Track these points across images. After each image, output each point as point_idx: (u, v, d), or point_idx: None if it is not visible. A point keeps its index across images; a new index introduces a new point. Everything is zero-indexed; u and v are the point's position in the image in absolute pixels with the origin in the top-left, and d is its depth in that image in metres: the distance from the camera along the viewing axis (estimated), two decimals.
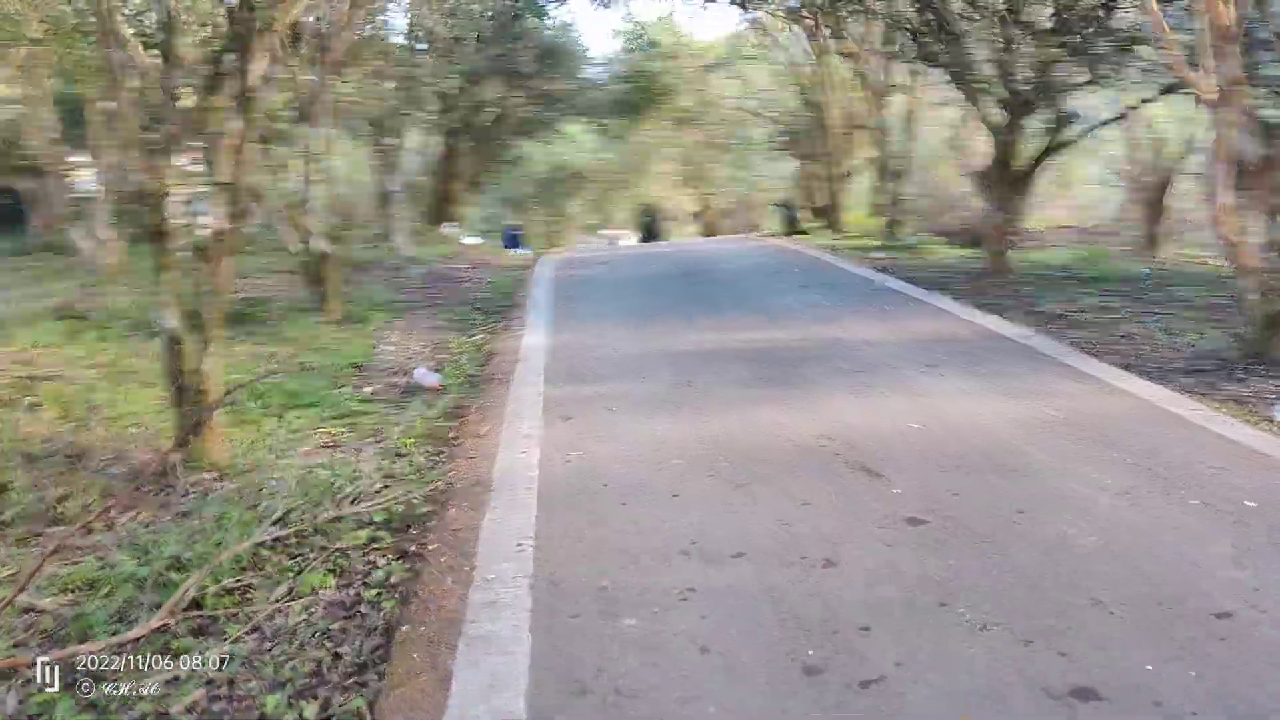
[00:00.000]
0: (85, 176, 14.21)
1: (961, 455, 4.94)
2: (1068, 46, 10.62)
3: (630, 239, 33.29)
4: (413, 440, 5.68)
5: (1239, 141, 6.90)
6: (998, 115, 11.77)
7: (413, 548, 4.18)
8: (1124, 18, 11.09)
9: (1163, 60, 9.05)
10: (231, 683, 3.21)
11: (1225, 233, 7.06)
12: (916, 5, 12.14)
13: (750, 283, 11.94)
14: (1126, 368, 6.77)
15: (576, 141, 28.67)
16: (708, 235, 29.09)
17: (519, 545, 4.07)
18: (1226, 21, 6.76)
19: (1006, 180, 11.87)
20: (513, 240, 24.27)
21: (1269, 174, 6.90)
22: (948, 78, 13.34)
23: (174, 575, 3.85)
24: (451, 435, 5.83)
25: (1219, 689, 2.86)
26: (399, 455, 5.42)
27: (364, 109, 15.45)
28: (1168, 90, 11.83)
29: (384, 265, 14.49)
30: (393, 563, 4.04)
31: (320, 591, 3.82)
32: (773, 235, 21.03)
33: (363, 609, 3.67)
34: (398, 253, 15.53)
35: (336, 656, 3.36)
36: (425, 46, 16.65)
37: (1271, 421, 5.44)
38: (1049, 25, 10.90)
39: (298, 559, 4.08)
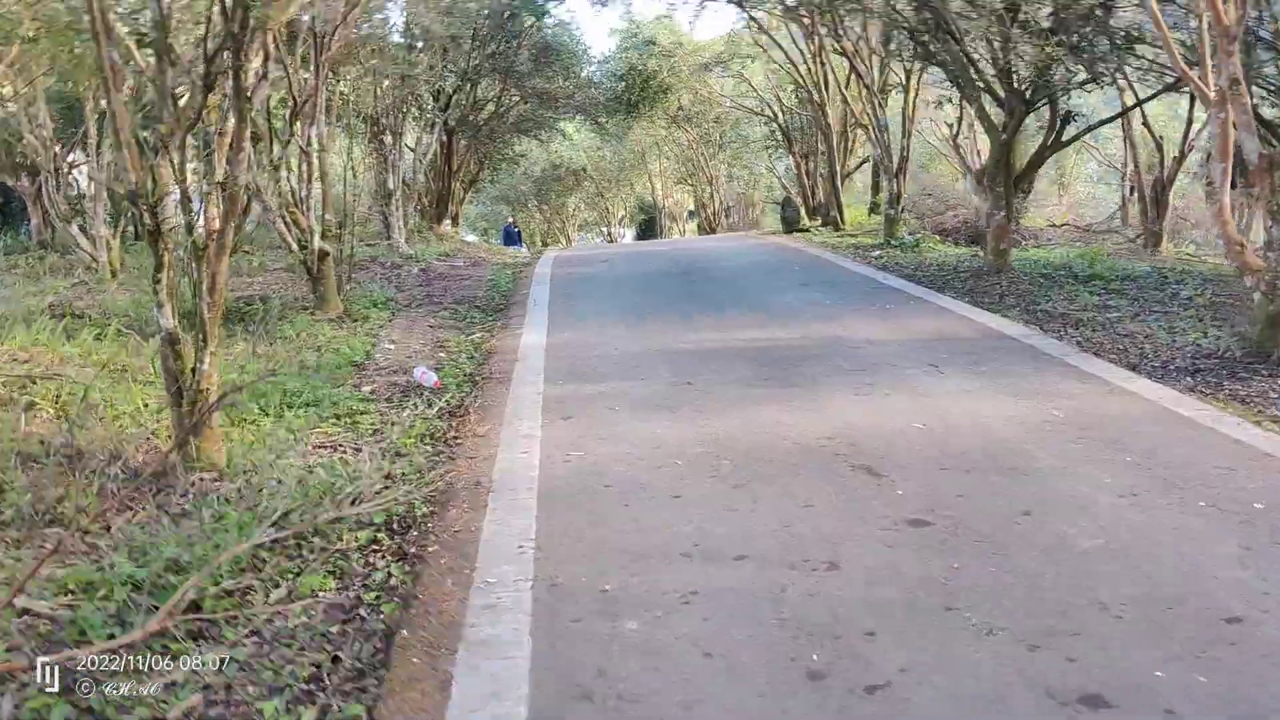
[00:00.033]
0: (83, 174, 14.16)
1: (965, 456, 4.91)
2: (1066, 45, 10.58)
3: (628, 236, 33.29)
4: (412, 440, 5.65)
5: (1240, 141, 6.88)
6: (997, 114, 11.75)
7: (413, 549, 4.15)
8: (1123, 17, 11.07)
9: (1164, 60, 9.04)
10: (229, 687, 3.17)
11: (1227, 232, 7.04)
12: (914, 4, 12.10)
13: (750, 281, 11.91)
14: (1130, 367, 6.74)
15: (574, 139, 28.61)
16: (706, 233, 29.05)
17: (519, 547, 4.04)
18: (1227, 21, 6.73)
19: (1006, 179, 11.84)
20: (511, 238, 24.28)
21: (1270, 173, 6.87)
22: (946, 76, 13.32)
23: (172, 578, 3.82)
24: (451, 435, 5.80)
25: (1229, 694, 2.83)
26: (399, 455, 5.39)
27: (361, 107, 15.39)
28: (1167, 89, 11.82)
29: (382, 263, 14.45)
30: (392, 565, 4.00)
31: (319, 594, 3.79)
32: (772, 233, 21.00)
33: (362, 612, 3.64)
34: (396, 250, 15.49)
35: (335, 660, 3.32)
36: (422, 44, 16.59)
37: (1278, 422, 5.41)
38: (1047, 24, 10.86)
39: (297, 561, 4.05)
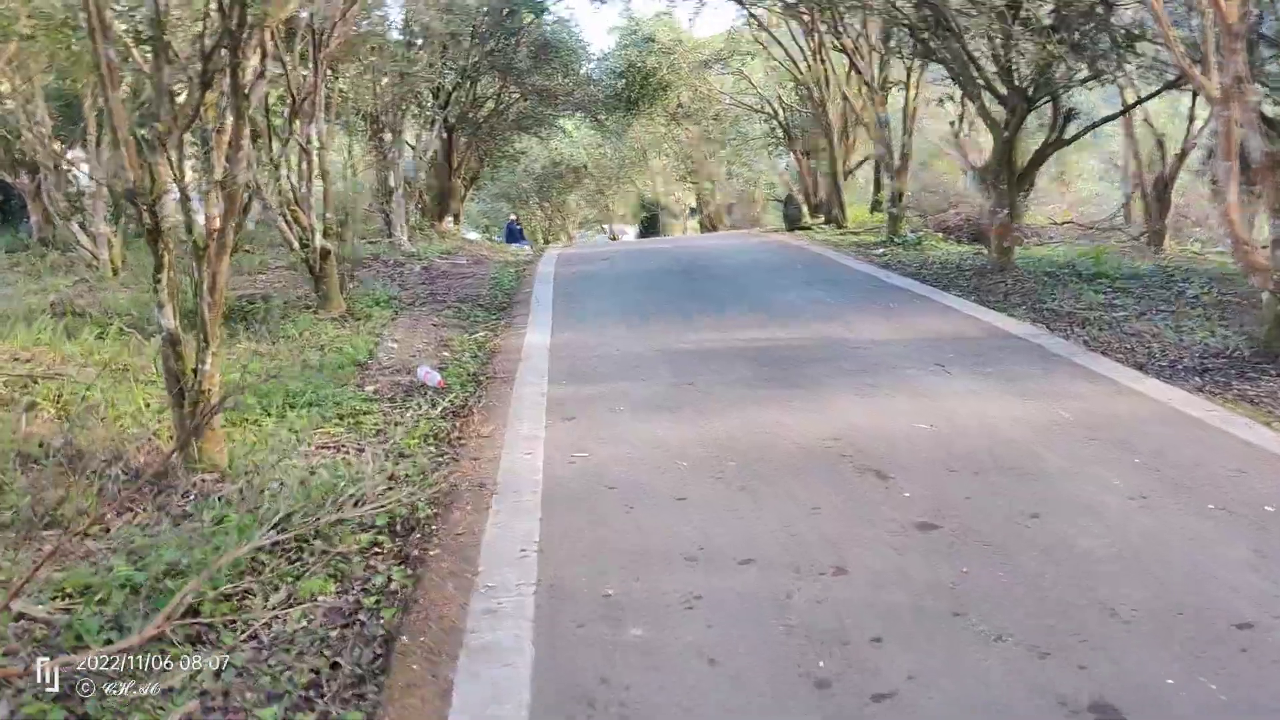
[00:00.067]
0: (83, 172, 14.11)
1: (971, 458, 4.87)
2: (1068, 43, 10.52)
3: (630, 234, 33.23)
4: (416, 440, 5.61)
5: (1245, 139, 6.82)
6: (999, 111, 11.68)
7: (414, 552, 4.11)
8: (1125, 14, 11.01)
9: (1166, 57, 8.98)
10: (227, 694, 3.13)
11: (1234, 231, 6.98)
12: (914, 1, 12.04)
13: (752, 279, 11.85)
14: (1137, 367, 6.69)
15: (574, 137, 28.54)
16: (708, 231, 28.99)
17: (522, 550, 4.00)
18: (1231, 18, 6.67)
19: (1008, 177, 11.78)
20: (513, 235, 24.21)
21: (1275, 171, 6.82)
22: (947, 73, 13.26)
23: (170, 582, 3.78)
24: (455, 435, 5.75)
25: (1242, 704, 2.78)
26: (402, 456, 5.34)
27: (361, 104, 15.33)
28: (1168, 86, 11.75)
29: (384, 261, 14.40)
30: (393, 568, 3.96)
31: (319, 598, 3.75)
32: (774, 231, 20.94)
33: (362, 616, 3.60)
34: (398, 248, 15.44)
35: (335, 666, 3.28)
36: (421, 42, 16.53)
37: None
38: (1049, 21, 10.80)
39: (297, 564, 4.01)
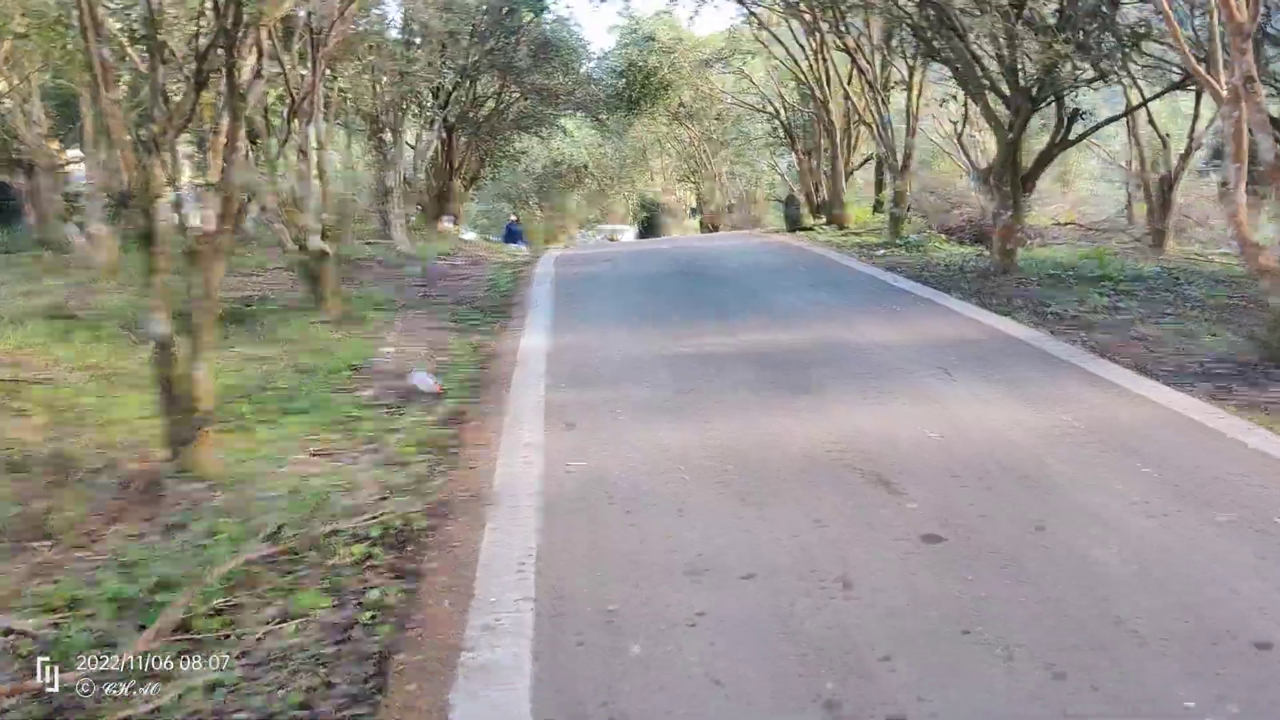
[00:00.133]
0: (79, 172, 14.03)
1: (979, 466, 4.77)
2: (1073, 42, 10.43)
3: (629, 234, 33.13)
4: (411, 448, 5.51)
5: (1254, 140, 6.74)
6: (1003, 112, 11.59)
7: (410, 565, 4.02)
8: (1130, 13, 10.93)
9: (1176, 58, 8.90)
10: (218, 713, 3.04)
11: (1242, 234, 6.90)
12: (917, 0, 11.96)
13: (753, 281, 11.76)
14: (1143, 371, 6.60)
15: (575, 136, 28.45)
16: (708, 231, 28.90)
17: (520, 564, 3.90)
18: (1241, 18, 6.58)
19: (1012, 178, 11.70)
20: (512, 235, 24.12)
21: None
22: (950, 73, 13.17)
23: (161, 596, 3.69)
24: (451, 443, 5.65)
25: None
26: (397, 464, 5.25)
27: (359, 104, 15.25)
28: (1173, 87, 11.68)
29: (382, 263, 14.32)
30: (389, 582, 3.87)
31: (313, 613, 3.66)
32: (775, 231, 20.86)
33: (356, 633, 3.50)
34: (395, 250, 15.35)
35: (329, 685, 3.19)
36: (420, 41, 16.45)
37: None
38: (1053, 21, 10.72)
39: (290, 577, 3.92)
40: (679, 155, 30.79)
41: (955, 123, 14.46)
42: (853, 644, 3.17)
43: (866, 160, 21.24)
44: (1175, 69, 11.39)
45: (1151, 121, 14.59)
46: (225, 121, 5.12)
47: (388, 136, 16.25)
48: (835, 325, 8.55)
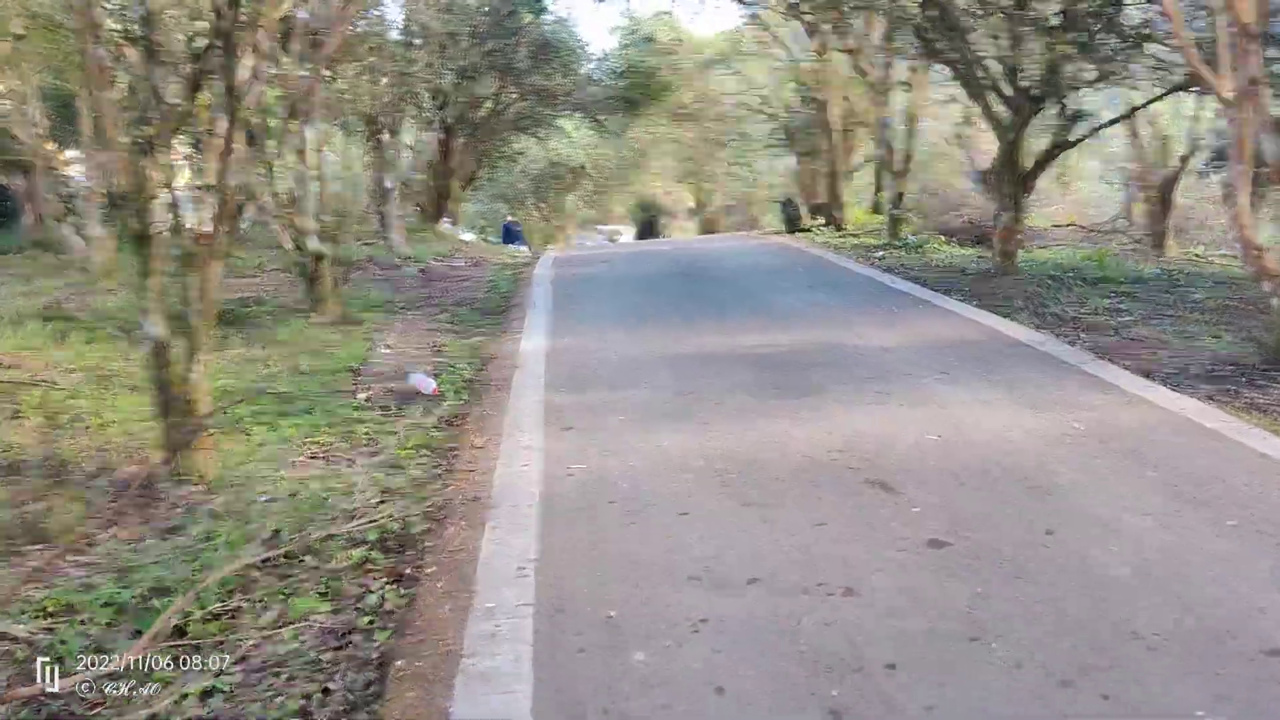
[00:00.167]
0: (77, 173, 13.98)
1: (982, 471, 4.73)
2: (1076, 43, 10.40)
3: (628, 235, 33.11)
4: (409, 451, 5.47)
5: (1259, 142, 6.71)
6: (1004, 113, 11.56)
7: (409, 570, 3.98)
8: (1133, 14, 10.89)
9: (1181, 58, 8.87)
10: None
11: (1245, 236, 6.87)
12: (920, 1, 11.92)
13: (753, 282, 11.73)
14: (1146, 374, 6.56)
15: (573, 137, 28.39)
16: (707, 232, 28.86)
17: (520, 569, 3.86)
18: (1247, 19, 6.55)
19: (1013, 179, 11.66)
20: (511, 235, 24.08)
21: None
22: (952, 74, 13.13)
23: (157, 601, 3.66)
24: (449, 446, 5.61)
25: None
26: (395, 468, 5.21)
27: (358, 105, 15.20)
28: (1177, 88, 11.64)
29: (380, 263, 14.27)
30: (387, 587, 3.83)
31: (311, 618, 3.62)
32: (774, 233, 20.82)
33: (355, 638, 3.47)
34: (394, 251, 15.30)
35: (326, 692, 3.15)
36: (420, 42, 16.41)
37: None
38: (1056, 22, 10.68)
39: (288, 581, 3.88)
40: (678, 156, 30.73)
41: (956, 123, 14.43)
42: (857, 651, 3.14)
43: (866, 161, 21.20)
44: (1179, 70, 11.34)
45: (1151, 123, 14.57)
46: (223, 123, 5.07)
47: (386, 137, 16.19)
48: (835, 327, 8.51)
